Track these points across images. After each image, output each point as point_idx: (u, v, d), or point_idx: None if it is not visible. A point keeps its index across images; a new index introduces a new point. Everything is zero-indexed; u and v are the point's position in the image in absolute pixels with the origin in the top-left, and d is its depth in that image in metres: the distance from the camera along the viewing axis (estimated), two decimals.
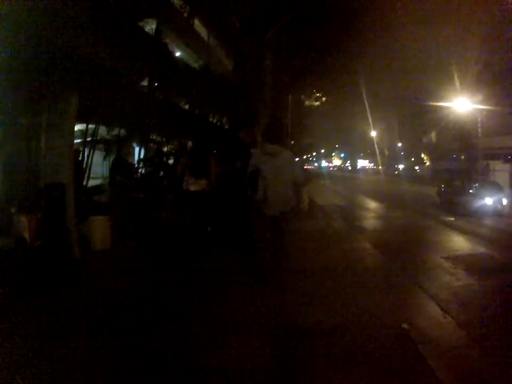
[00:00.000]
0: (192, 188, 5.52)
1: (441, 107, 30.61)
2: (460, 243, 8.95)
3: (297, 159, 50.71)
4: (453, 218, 12.24)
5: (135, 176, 7.21)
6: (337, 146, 65.39)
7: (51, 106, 5.16)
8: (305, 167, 38.03)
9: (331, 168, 79.19)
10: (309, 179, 13.56)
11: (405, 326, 3.80)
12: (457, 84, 25.20)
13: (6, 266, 4.37)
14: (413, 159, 53.06)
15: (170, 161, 10.59)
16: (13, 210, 4.84)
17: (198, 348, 3.19)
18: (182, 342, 3.28)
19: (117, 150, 6.19)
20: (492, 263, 6.80)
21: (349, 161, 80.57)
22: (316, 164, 74.66)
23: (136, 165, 10.94)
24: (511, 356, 3.47)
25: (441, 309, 4.47)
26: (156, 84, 12.26)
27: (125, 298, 4.13)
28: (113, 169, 5.93)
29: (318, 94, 25.95)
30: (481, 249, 8.06)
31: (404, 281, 5.55)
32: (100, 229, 5.76)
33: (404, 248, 8.01)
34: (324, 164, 75.23)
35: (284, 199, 4.71)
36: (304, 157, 69.72)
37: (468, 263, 6.60)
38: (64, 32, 6.13)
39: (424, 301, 4.84)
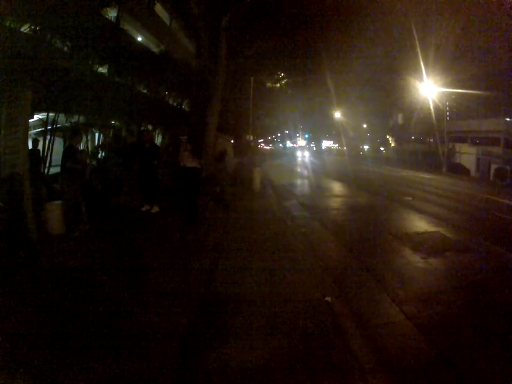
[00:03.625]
0: (189, 165, 7.13)
1: (408, 89, 31.23)
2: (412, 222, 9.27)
3: (261, 140, 51.02)
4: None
5: (88, 162, 7.64)
6: (301, 127, 66.06)
7: (6, 103, 5.45)
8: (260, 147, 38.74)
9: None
10: (262, 159, 14.19)
11: (328, 299, 3.92)
12: (424, 66, 25.63)
13: None
14: (378, 140, 53.98)
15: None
16: None
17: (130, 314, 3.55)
18: (119, 309, 3.68)
19: (68, 138, 6.57)
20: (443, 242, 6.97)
21: (313, 142, 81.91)
22: (280, 145, 75.69)
23: (90, 152, 11.18)
24: (438, 331, 3.50)
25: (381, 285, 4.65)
26: (115, 70, 12.44)
27: (75, 275, 4.53)
28: (64, 157, 6.31)
29: (280, 76, 25.94)
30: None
31: (346, 258, 5.85)
32: (55, 214, 6.10)
33: (352, 226, 8.16)
34: (289, 144, 76.09)
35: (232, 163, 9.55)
36: (269, 138, 70.56)
37: (415, 241, 6.84)
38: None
39: (364, 276, 4.99)
